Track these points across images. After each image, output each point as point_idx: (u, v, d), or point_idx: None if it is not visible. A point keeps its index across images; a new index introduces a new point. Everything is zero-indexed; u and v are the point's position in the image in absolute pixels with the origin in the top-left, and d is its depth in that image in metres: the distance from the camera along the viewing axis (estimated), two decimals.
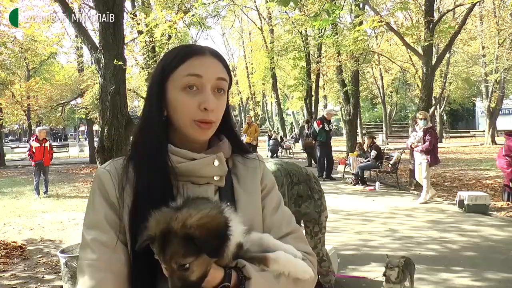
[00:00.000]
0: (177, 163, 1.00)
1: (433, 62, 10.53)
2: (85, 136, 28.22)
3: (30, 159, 10.80)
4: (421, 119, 8.27)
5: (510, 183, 7.56)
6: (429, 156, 8.04)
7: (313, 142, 13.97)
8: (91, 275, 0.92)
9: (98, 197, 0.99)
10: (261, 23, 25.54)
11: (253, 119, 17.00)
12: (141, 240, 0.85)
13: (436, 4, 15.24)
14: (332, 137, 13.44)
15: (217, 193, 1.05)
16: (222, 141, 1.10)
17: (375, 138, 12.06)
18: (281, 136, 22.41)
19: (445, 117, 34.48)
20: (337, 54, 15.19)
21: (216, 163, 1.03)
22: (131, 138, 1.10)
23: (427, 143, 7.98)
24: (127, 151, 1.08)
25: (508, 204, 7.53)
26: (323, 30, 15.50)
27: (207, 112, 0.99)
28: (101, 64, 4.89)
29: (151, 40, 11.44)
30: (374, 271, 4.70)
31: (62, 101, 21.57)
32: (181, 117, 1.00)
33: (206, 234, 0.81)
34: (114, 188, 0.99)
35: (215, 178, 1.04)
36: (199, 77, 0.99)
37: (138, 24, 11.96)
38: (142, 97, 16.65)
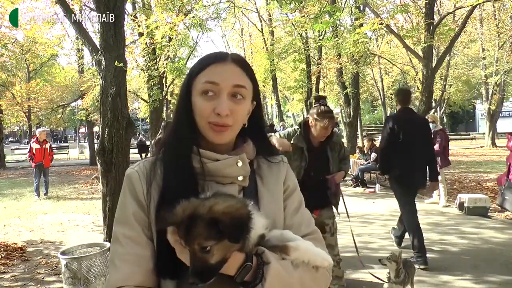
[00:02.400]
0: (201, 163, 1.06)
1: (433, 65, 10.54)
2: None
3: (30, 161, 10.81)
4: (429, 122, 8.26)
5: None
6: (439, 158, 8.00)
7: None
8: (120, 267, 1.00)
9: (128, 195, 1.06)
10: (262, 25, 25.53)
11: None
12: (164, 220, 0.92)
13: (436, 6, 15.26)
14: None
15: (241, 193, 1.10)
16: (246, 143, 1.15)
17: (374, 140, 12.06)
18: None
19: (445, 120, 34.45)
20: (337, 56, 15.20)
21: (240, 164, 1.08)
22: (163, 137, 1.17)
23: (436, 145, 7.95)
24: (157, 151, 1.14)
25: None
26: (323, 32, 15.52)
27: (220, 116, 1.04)
28: (102, 66, 4.90)
29: (151, 42, 11.46)
30: (374, 273, 4.70)
31: (63, 103, 21.57)
32: (199, 119, 1.06)
33: (229, 220, 0.87)
34: (141, 186, 1.05)
35: (239, 178, 1.09)
36: (215, 84, 1.05)
37: (139, 26, 11.97)
38: (142, 99, 16.69)
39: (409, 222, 5.18)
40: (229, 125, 1.06)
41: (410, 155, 4.79)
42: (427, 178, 5.06)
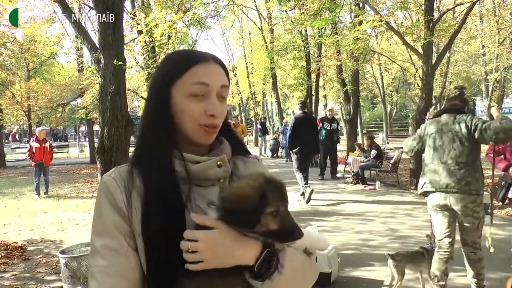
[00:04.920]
0: (182, 167, 1.03)
1: (433, 61, 10.52)
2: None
3: (30, 160, 10.81)
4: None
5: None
6: None
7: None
8: (103, 281, 0.94)
9: (105, 204, 1.00)
10: (261, 23, 25.46)
11: (239, 119, 17.18)
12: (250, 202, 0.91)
13: (436, 3, 15.21)
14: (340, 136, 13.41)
15: None
16: (223, 143, 1.13)
17: (374, 138, 12.05)
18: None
19: None
20: (337, 54, 15.19)
21: (220, 165, 1.06)
22: (135, 143, 1.11)
23: None
24: (130, 158, 1.10)
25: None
26: (322, 30, 15.50)
27: (214, 117, 1.03)
28: (101, 65, 4.90)
29: (151, 40, 11.45)
30: (374, 271, 4.71)
31: (62, 102, 21.54)
32: (188, 121, 1.03)
33: None
34: (121, 194, 1.00)
35: (220, 180, 1.07)
36: (206, 85, 1.03)
37: (138, 24, 11.95)
38: (142, 97, 16.65)
39: (298, 176, 8.74)
40: (218, 126, 1.06)
41: (304, 139, 8.47)
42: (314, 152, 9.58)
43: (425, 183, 3.84)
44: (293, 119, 9.12)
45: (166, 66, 1.08)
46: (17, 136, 46.07)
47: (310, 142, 8.72)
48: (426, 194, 3.88)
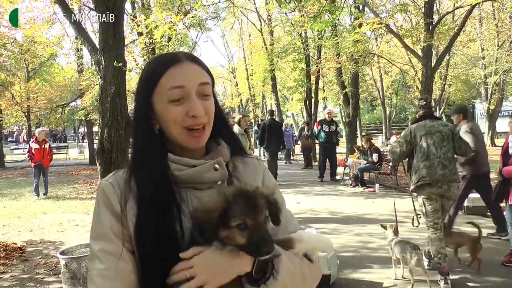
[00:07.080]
0: (178, 171, 1.03)
1: (433, 64, 10.54)
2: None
3: (30, 161, 10.80)
4: None
5: None
6: None
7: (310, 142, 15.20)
8: (101, 284, 0.96)
9: (103, 208, 1.02)
10: (261, 24, 25.48)
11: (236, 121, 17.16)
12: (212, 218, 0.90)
13: (436, 6, 15.26)
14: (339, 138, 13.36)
15: None
16: (220, 145, 1.12)
17: (372, 139, 12.06)
18: None
19: (444, 119, 34.40)
20: (336, 56, 15.20)
21: (217, 168, 1.05)
22: (132, 147, 1.12)
23: None
24: (128, 163, 1.10)
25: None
26: (322, 32, 15.51)
27: (196, 118, 1.01)
28: (101, 66, 4.90)
29: (151, 41, 11.45)
30: (373, 273, 4.72)
31: (62, 103, 21.52)
32: (172, 127, 1.03)
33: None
34: (117, 199, 1.01)
35: (218, 182, 1.06)
36: (182, 88, 1.01)
37: (138, 25, 11.94)
38: None
39: (271, 166, 11.04)
40: (205, 124, 1.04)
41: (272, 139, 11.37)
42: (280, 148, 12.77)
43: (421, 177, 4.42)
44: (263, 124, 12.59)
45: (144, 75, 1.08)
46: (19, 137, 45.98)
47: (278, 142, 11.74)
48: (422, 187, 4.46)
